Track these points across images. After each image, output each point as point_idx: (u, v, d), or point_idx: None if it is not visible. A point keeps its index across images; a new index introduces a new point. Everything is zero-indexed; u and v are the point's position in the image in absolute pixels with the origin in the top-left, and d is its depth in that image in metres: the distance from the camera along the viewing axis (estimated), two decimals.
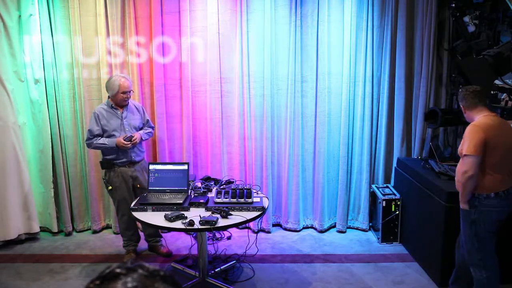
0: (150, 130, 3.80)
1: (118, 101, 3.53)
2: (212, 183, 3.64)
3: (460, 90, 2.97)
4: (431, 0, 3.99)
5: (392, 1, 4.08)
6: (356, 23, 4.11)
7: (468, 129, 2.71)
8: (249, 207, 3.09)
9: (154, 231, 3.86)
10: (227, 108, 4.29)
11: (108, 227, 4.47)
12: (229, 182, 3.60)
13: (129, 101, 3.63)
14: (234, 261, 3.68)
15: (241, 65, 4.15)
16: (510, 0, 3.28)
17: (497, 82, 3.44)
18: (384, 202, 3.98)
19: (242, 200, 3.16)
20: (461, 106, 2.88)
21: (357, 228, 4.40)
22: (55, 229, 4.29)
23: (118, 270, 0.68)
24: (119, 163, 3.57)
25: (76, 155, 4.27)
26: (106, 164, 3.61)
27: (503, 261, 2.94)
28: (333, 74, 4.20)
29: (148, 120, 3.81)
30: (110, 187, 3.61)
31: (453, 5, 3.75)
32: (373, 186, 4.28)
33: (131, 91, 3.58)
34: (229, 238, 4.20)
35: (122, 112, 3.57)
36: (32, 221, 4.14)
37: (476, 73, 3.24)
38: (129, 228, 3.75)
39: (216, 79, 4.21)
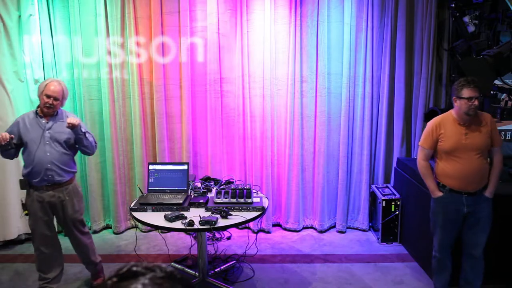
0: (92, 135, 3.13)
1: (42, 105, 2.95)
2: (212, 183, 3.64)
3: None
4: (431, 0, 4.00)
5: (392, 1, 4.08)
6: (356, 23, 4.11)
7: (492, 119, 2.84)
8: (249, 207, 3.09)
9: (90, 260, 3.30)
10: (227, 108, 4.29)
11: (108, 227, 4.47)
12: (228, 182, 3.60)
13: (67, 114, 3.07)
14: (234, 261, 3.68)
15: (241, 65, 4.15)
16: (510, 0, 3.28)
17: (497, 82, 3.45)
18: (384, 202, 3.98)
19: (242, 200, 3.15)
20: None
21: (357, 228, 4.40)
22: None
23: (135, 269, 0.66)
24: (34, 183, 2.92)
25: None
26: (22, 184, 2.97)
27: (504, 261, 2.94)
28: (333, 74, 4.20)
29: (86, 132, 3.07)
30: (25, 212, 2.99)
31: (453, 5, 3.75)
32: (373, 186, 4.28)
33: (59, 101, 2.96)
34: (229, 238, 4.20)
35: (48, 122, 2.97)
36: None
37: (476, 73, 3.24)
38: (48, 266, 3.11)
39: (216, 79, 4.21)
